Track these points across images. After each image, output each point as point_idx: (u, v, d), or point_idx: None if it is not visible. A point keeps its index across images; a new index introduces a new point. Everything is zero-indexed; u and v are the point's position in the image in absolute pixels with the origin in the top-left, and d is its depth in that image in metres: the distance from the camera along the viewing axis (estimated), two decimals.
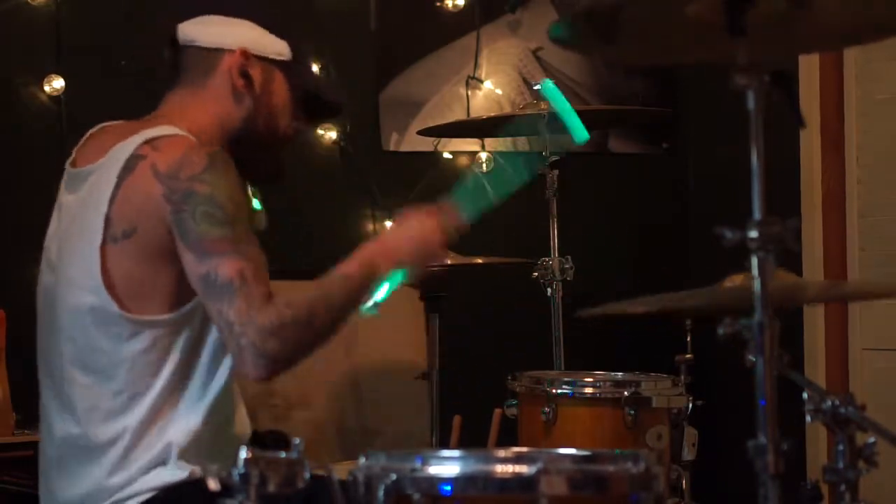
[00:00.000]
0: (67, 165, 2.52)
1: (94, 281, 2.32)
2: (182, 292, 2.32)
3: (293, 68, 2.57)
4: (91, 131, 2.53)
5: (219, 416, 2.38)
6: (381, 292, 2.43)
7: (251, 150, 2.51)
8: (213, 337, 2.37)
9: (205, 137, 2.44)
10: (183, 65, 2.52)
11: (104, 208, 2.33)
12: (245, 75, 2.50)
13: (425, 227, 2.44)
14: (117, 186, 2.34)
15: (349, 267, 2.37)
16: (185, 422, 2.34)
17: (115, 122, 2.52)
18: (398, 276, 2.43)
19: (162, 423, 2.33)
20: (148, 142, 2.36)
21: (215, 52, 2.51)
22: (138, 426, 2.33)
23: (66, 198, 2.48)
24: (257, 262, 2.27)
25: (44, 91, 3.88)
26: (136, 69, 3.77)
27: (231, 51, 2.50)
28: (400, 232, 2.46)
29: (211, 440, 2.37)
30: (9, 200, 3.82)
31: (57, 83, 3.88)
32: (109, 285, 2.32)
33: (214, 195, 2.28)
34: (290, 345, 2.24)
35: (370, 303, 2.43)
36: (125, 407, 2.33)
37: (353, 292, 2.36)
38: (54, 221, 2.50)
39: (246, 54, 2.50)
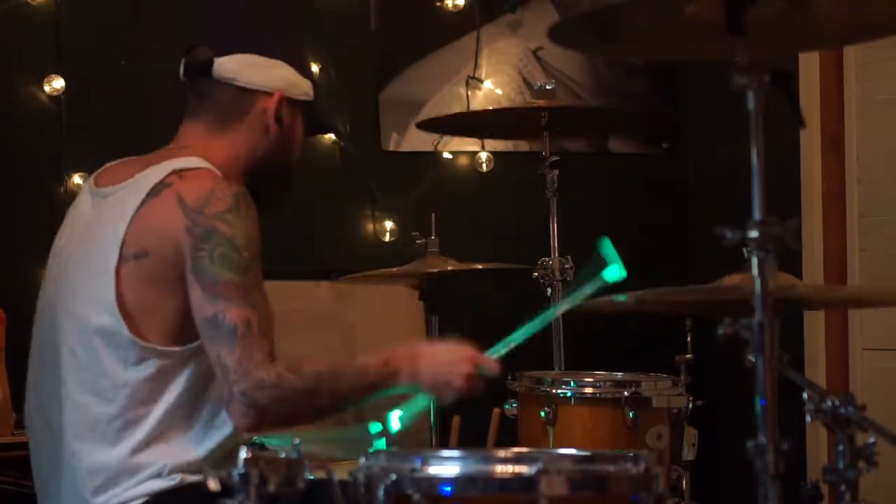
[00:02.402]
0: (90, 183, 2.52)
1: (107, 301, 2.31)
2: (192, 327, 2.32)
3: (312, 106, 2.60)
4: (113, 162, 2.54)
5: (223, 450, 2.37)
6: (397, 421, 2.46)
7: (266, 179, 2.54)
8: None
9: (226, 170, 2.45)
10: (213, 98, 2.51)
11: (122, 229, 2.33)
12: (279, 119, 2.52)
13: (459, 359, 2.42)
14: (138, 209, 2.34)
15: (370, 360, 2.39)
16: (184, 454, 2.33)
17: (138, 156, 2.52)
18: (420, 403, 2.44)
19: (156, 452, 2.31)
20: (176, 171, 2.37)
21: (252, 93, 2.51)
22: (130, 454, 2.31)
23: (81, 213, 2.48)
24: (264, 315, 2.29)
25: (44, 91, 3.88)
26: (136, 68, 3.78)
27: (268, 94, 2.51)
28: (434, 351, 2.45)
29: (210, 458, 2.35)
30: (9, 200, 3.82)
31: (57, 83, 3.88)
32: (122, 307, 2.31)
33: (235, 238, 2.30)
34: (282, 406, 2.26)
35: (394, 426, 2.47)
36: (119, 433, 2.31)
37: (362, 385, 2.36)
38: (63, 234, 2.50)
39: (282, 99, 2.52)
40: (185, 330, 2.31)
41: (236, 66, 2.51)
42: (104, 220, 2.38)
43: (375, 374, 2.37)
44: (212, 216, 2.31)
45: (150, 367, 2.31)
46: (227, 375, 2.24)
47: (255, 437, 2.54)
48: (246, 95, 2.51)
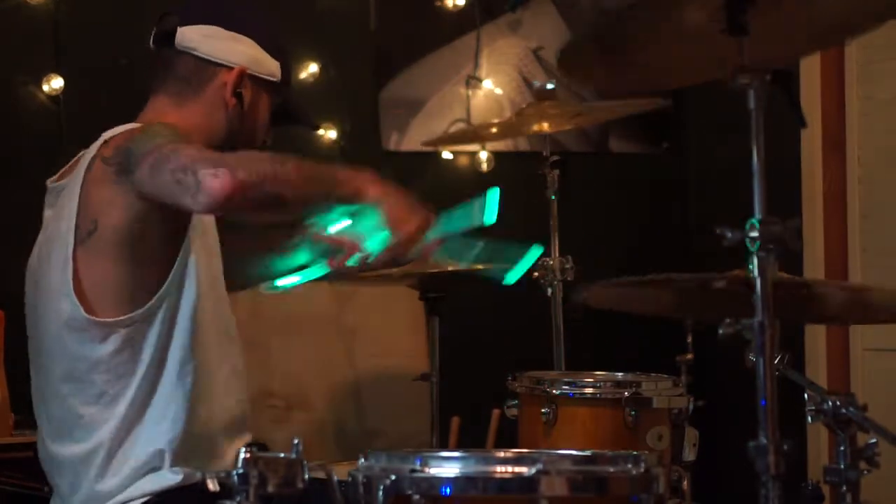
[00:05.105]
0: (48, 182, 2.53)
1: (66, 287, 2.33)
2: (140, 290, 2.33)
3: (280, 89, 2.57)
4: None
5: (201, 410, 2.38)
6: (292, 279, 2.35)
7: None
8: (180, 333, 2.37)
9: None
10: (174, 69, 2.50)
11: (74, 215, 2.34)
12: (238, 95, 2.50)
13: (415, 209, 2.28)
14: (81, 191, 2.34)
15: (341, 167, 2.29)
16: (165, 423, 2.34)
17: None
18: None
19: (141, 425, 2.34)
20: (105, 140, 2.37)
21: (213, 66, 2.50)
22: (117, 430, 2.33)
23: (46, 213, 2.51)
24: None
25: (43, 91, 3.87)
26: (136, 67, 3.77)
27: (229, 68, 2.50)
28: (397, 191, 2.28)
29: (198, 437, 2.36)
30: (7, 200, 3.82)
31: (56, 83, 3.87)
32: (78, 290, 2.32)
33: (152, 129, 2.29)
34: (250, 167, 2.16)
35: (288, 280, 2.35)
36: (104, 411, 2.33)
37: (329, 178, 2.25)
38: (40, 236, 2.52)
39: (243, 74, 2.50)
40: (135, 294, 2.32)
41: (198, 37, 2.49)
42: (59, 216, 2.40)
43: (343, 175, 2.24)
44: (125, 142, 2.29)
45: (115, 341, 2.33)
46: (185, 170, 2.14)
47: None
48: (205, 67, 2.50)
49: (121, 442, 2.33)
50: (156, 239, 2.31)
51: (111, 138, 2.37)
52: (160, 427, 2.34)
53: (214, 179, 2.11)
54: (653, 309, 2.42)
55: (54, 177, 2.53)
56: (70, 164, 2.53)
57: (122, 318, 2.32)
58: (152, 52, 2.54)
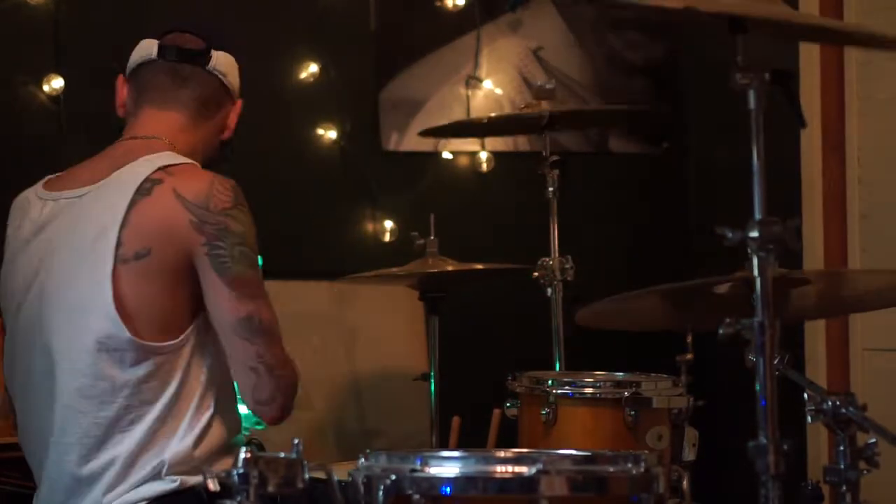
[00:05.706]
0: (38, 189, 2.52)
1: (105, 306, 2.31)
2: (183, 317, 2.35)
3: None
4: (62, 172, 2.56)
5: (215, 438, 2.38)
6: None
7: None
8: (207, 362, 2.38)
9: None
10: (198, 88, 2.54)
11: (114, 232, 2.32)
12: (236, 125, 2.61)
13: None
14: (130, 209, 2.33)
15: None
16: (180, 446, 2.34)
17: (93, 157, 2.53)
18: None
19: (156, 448, 2.33)
20: (161, 168, 2.38)
21: (229, 94, 2.58)
22: (131, 453, 2.32)
23: (44, 220, 2.45)
24: None
25: (43, 91, 3.87)
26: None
27: (235, 99, 2.60)
28: None
29: (209, 455, 2.36)
30: (7, 201, 3.81)
31: (56, 83, 3.87)
32: (121, 310, 2.31)
33: (247, 235, 2.36)
34: (294, 396, 2.41)
35: None
36: (121, 433, 2.32)
37: None
38: (28, 245, 2.46)
39: (239, 108, 2.63)
40: (175, 322, 2.34)
41: (226, 63, 2.58)
42: (86, 223, 2.37)
43: None
44: (219, 213, 2.34)
45: (147, 366, 2.32)
46: (272, 371, 2.33)
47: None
48: (226, 95, 2.58)
49: (131, 465, 2.32)
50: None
51: (171, 167, 2.38)
52: (172, 451, 2.33)
53: (280, 412, 2.37)
54: (650, 323, 2.44)
55: (39, 185, 2.53)
56: (69, 173, 2.52)
57: (161, 344, 2.33)
58: (159, 62, 2.55)
